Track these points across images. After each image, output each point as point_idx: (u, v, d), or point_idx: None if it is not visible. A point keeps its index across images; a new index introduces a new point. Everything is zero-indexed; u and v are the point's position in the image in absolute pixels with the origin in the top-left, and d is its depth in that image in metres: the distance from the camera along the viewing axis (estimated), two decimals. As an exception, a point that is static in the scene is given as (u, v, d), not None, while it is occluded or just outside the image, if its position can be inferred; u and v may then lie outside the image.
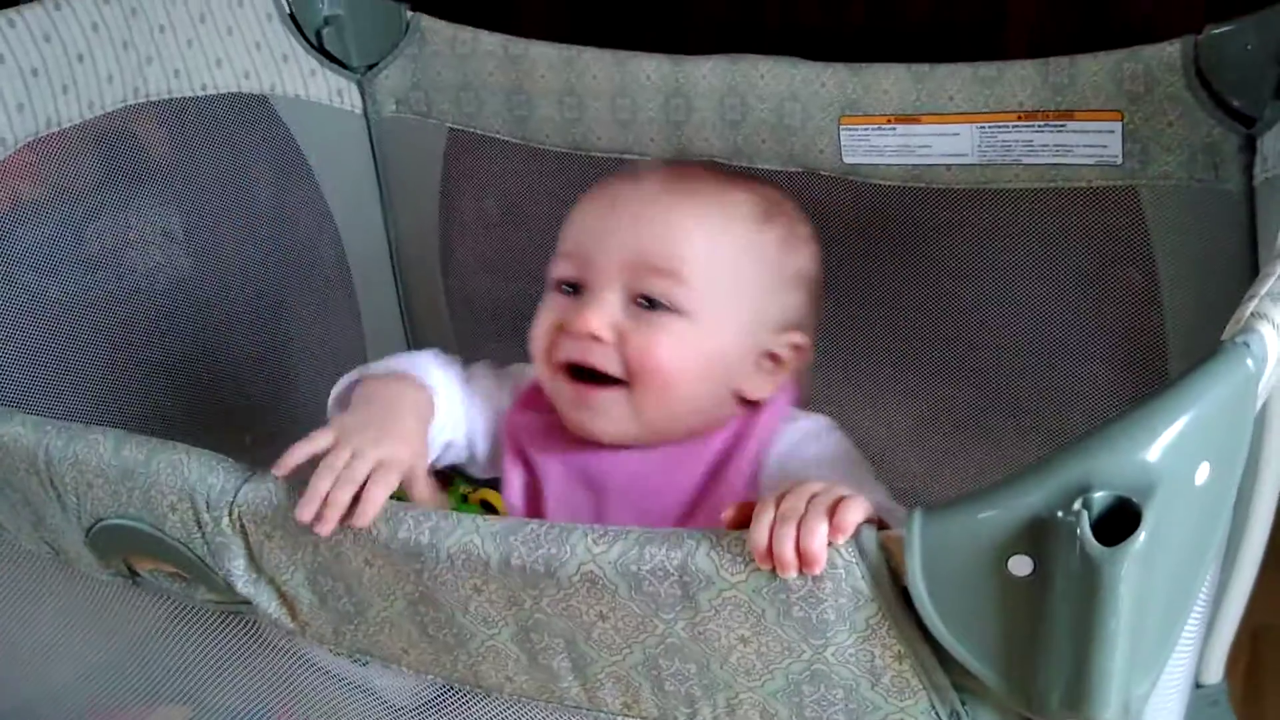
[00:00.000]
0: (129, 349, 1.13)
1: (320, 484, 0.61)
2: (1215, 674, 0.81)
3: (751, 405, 0.79)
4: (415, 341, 1.40)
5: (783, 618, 0.50)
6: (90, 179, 1.12)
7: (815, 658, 0.50)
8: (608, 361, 0.74)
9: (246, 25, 1.16)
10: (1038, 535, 0.43)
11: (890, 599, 0.48)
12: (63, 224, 1.11)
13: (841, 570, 0.48)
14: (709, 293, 0.74)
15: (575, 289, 0.76)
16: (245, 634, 0.71)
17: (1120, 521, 0.42)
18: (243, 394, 1.25)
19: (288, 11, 1.18)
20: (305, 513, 0.60)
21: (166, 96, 1.11)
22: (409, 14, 1.22)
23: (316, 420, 1.32)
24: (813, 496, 0.51)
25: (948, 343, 1.15)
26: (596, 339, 0.73)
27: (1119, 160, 0.96)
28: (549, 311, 0.77)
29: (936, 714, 0.51)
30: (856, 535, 0.48)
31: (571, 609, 0.54)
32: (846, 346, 1.18)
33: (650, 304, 0.73)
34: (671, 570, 0.51)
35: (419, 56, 1.22)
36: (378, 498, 0.61)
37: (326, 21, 1.20)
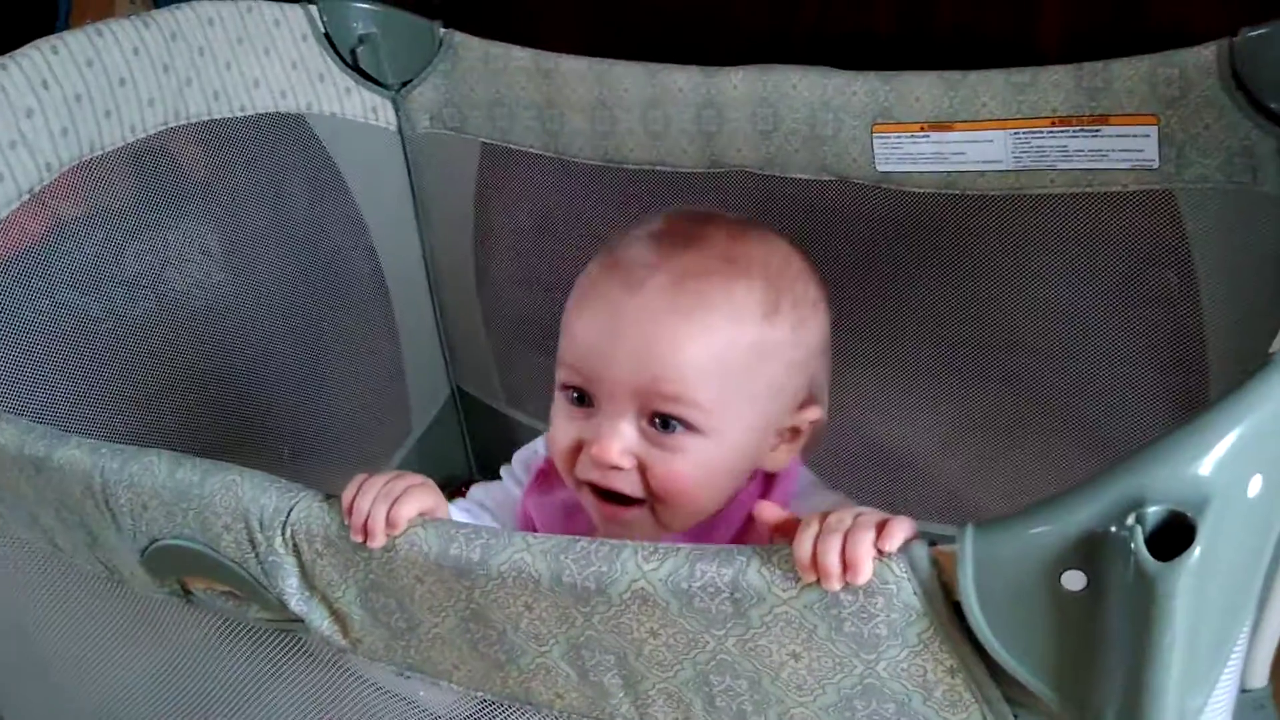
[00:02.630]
0: (169, 366, 1.15)
1: (363, 502, 0.62)
2: (1261, 678, 0.81)
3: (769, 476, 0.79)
4: (452, 356, 1.41)
5: (834, 633, 0.50)
6: (130, 199, 1.14)
7: (867, 672, 0.51)
8: (631, 486, 0.74)
9: (283, 46, 1.17)
10: (1091, 550, 0.43)
11: (942, 614, 0.48)
12: (103, 244, 1.12)
13: (893, 585, 0.48)
14: (725, 408, 0.72)
15: (584, 398, 0.75)
16: (292, 649, 0.72)
17: (1174, 536, 0.42)
18: (281, 409, 1.26)
19: (323, 31, 1.20)
20: (355, 531, 0.61)
21: (206, 118, 1.12)
22: (442, 31, 1.23)
23: (354, 435, 1.34)
24: (858, 514, 0.52)
25: (984, 349, 1.15)
26: (617, 468, 0.73)
27: (1155, 164, 0.95)
28: (566, 422, 0.75)
29: (989, 727, 0.51)
30: (905, 550, 0.48)
31: (622, 626, 0.54)
32: (883, 354, 1.18)
33: (665, 423, 0.72)
34: (722, 587, 0.51)
35: (452, 73, 1.23)
36: (408, 511, 0.62)
37: (361, 40, 1.21)
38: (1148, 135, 0.96)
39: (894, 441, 1.25)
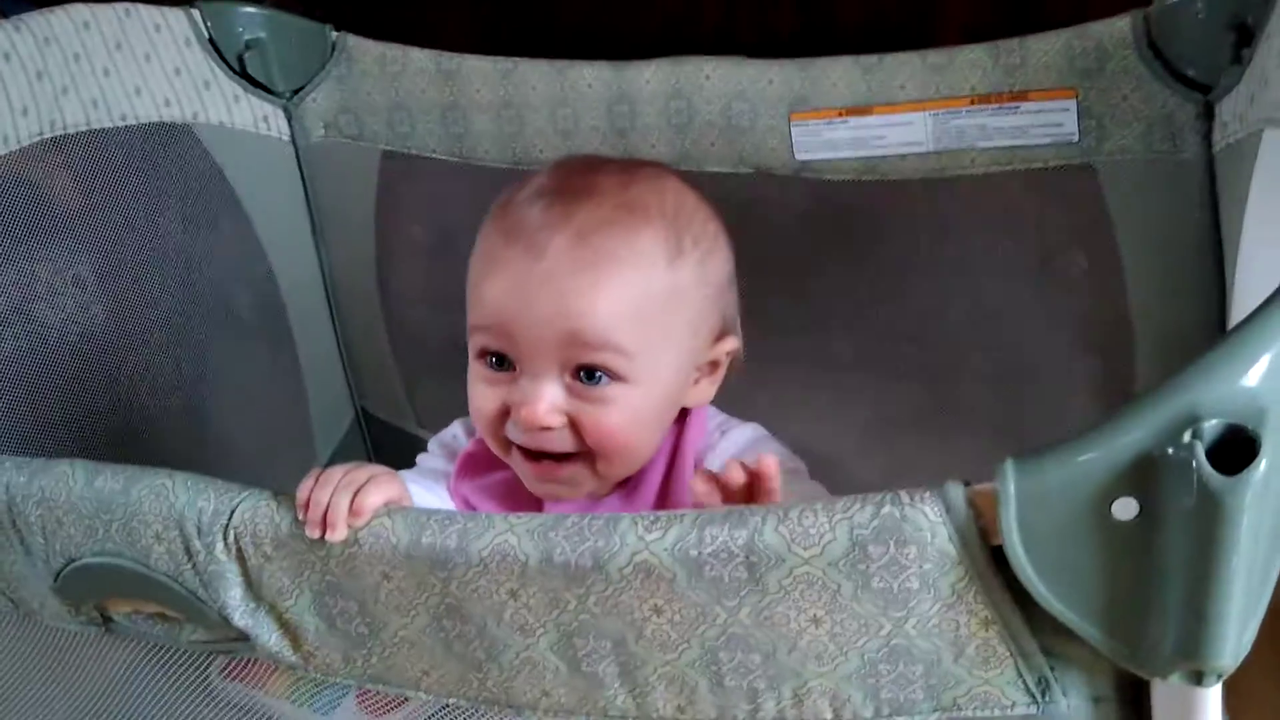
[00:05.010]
0: (44, 406, 1.05)
1: (321, 494, 0.56)
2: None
3: (682, 413, 0.78)
4: (356, 378, 1.35)
5: (860, 591, 0.46)
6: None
7: (895, 632, 0.47)
8: (564, 443, 0.72)
9: (164, 51, 1.10)
10: (1144, 474, 0.41)
11: (978, 560, 0.45)
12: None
13: (927, 532, 0.45)
14: (646, 353, 0.71)
15: (503, 361, 0.72)
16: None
17: (1232, 451, 0.40)
18: (172, 443, 1.18)
19: (207, 36, 1.13)
20: (313, 526, 0.55)
21: (85, 128, 1.05)
22: (334, 34, 1.18)
23: (253, 465, 1.26)
24: None
25: (909, 340, 1.14)
26: (547, 429, 0.71)
27: (1075, 138, 0.95)
28: (486, 388, 0.73)
29: (1024, 682, 0.48)
30: (939, 492, 0.45)
31: (622, 605, 0.50)
32: (805, 350, 1.16)
33: (590, 375, 0.71)
34: (736, 551, 0.47)
35: (347, 78, 1.18)
36: (374, 499, 0.57)
37: (248, 46, 1.15)
38: (1066, 109, 0.96)
39: (816, 440, 1.23)
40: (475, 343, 0.74)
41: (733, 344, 0.79)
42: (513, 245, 0.71)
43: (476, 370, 0.74)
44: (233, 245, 1.22)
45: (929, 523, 0.45)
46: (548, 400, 0.71)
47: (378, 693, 0.77)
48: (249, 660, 0.68)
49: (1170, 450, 0.40)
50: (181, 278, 1.18)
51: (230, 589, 0.58)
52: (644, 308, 0.71)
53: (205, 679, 0.70)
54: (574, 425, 0.71)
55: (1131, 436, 0.41)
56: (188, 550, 0.57)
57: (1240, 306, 0.84)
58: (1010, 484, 0.42)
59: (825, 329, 1.16)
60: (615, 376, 0.71)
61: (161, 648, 0.67)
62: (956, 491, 0.45)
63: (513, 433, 0.73)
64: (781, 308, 1.14)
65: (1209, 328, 0.91)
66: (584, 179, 0.75)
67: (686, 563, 0.48)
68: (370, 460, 1.35)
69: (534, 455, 0.73)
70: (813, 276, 1.14)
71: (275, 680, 0.71)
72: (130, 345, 1.13)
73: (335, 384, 1.34)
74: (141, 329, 1.14)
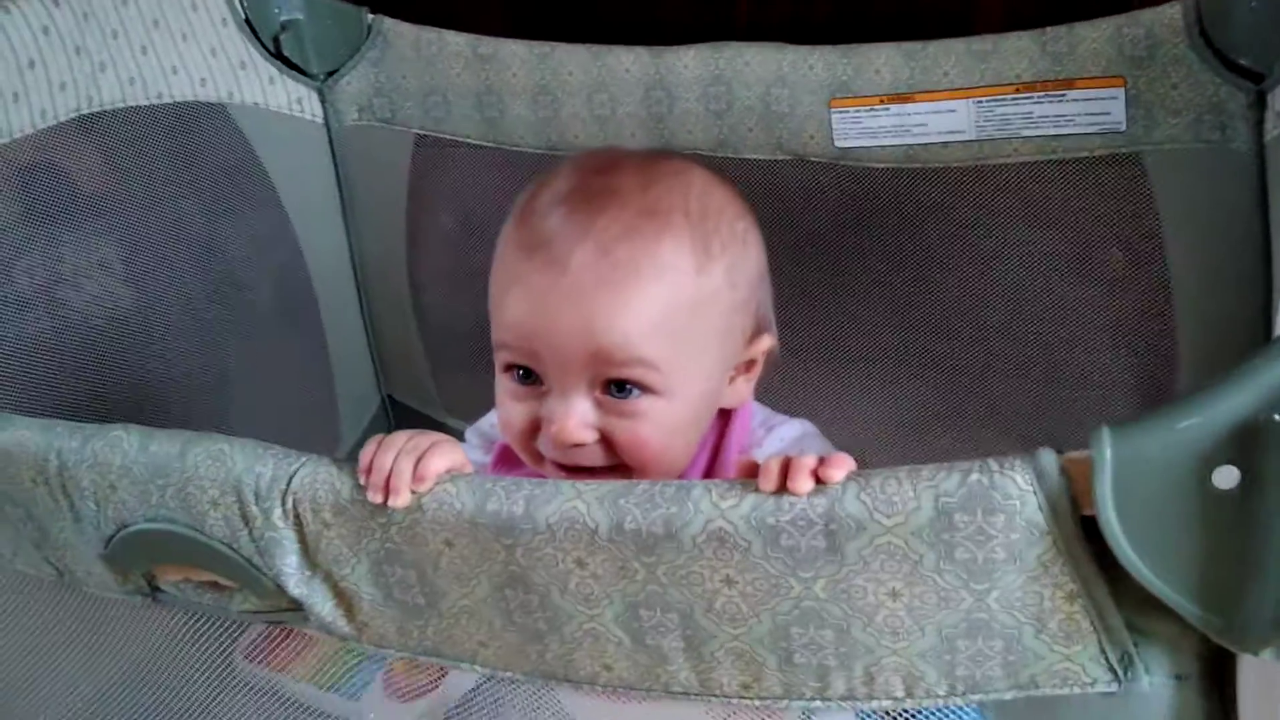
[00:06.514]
0: (69, 387, 1.05)
1: (384, 458, 0.55)
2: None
3: (724, 412, 0.76)
4: (383, 363, 1.34)
5: (943, 561, 0.45)
6: (16, 215, 1.05)
7: (976, 605, 0.46)
8: (597, 458, 0.70)
9: (201, 31, 1.10)
10: (1246, 441, 0.40)
11: (1068, 531, 0.44)
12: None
13: (1016, 500, 0.44)
14: (677, 364, 0.69)
15: (530, 375, 0.70)
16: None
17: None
18: (197, 425, 1.17)
19: (243, 17, 1.13)
20: (375, 490, 0.54)
21: (121, 105, 1.04)
22: (370, 17, 1.17)
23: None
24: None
25: (942, 331, 1.13)
26: (580, 445, 0.69)
27: (1123, 127, 0.94)
28: (516, 403, 0.71)
29: (1106, 658, 0.47)
30: (1032, 460, 0.44)
31: (693, 576, 0.49)
32: (841, 341, 1.15)
33: (621, 388, 0.69)
34: (816, 519, 0.46)
35: (382, 61, 1.17)
36: (438, 465, 0.56)
37: (284, 27, 1.15)
38: (1115, 98, 0.95)
39: (841, 430, 1.22)
40: (501, 357, 0.72)
41: (768, 342, 0.76)
42: (533, 259, 0.69)
43: (504, 384, 0.72)
44: (262, 227, 1.21)
45: (1019, 491, 0.44)
46: (578, 417, 0.69)
47: (404, 678, 0.76)
48: (275, 641, 0.67)
49: (1276, 416, 0.39)
50: (208, 260, 1.17)
51: (286, 556, 0.57)
52: (672, 319, 0.69)
53: (229, 661, 0.69)
54: (606, 439, 0.70)
55: (1233, 402, 0.40)
56: (244, 516, 0.56)
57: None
58: (1106, 451, 0.41)
59: (858, 320, 1.15)
60: (646, 389, 0.69)
61: (193, 624, 0.66)
62: (1049, 459, 0.44)
63: (544, 447, 0.71)
64: (814, 297, 1.13)
65: (1254, 321, 0.90)
66: (603, 180, 0.72)
67: (763, 531, 0.47)
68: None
69: (567, 468, 0.71)
70: (848, 266, 1.13)
71: (300, 663, 0.71)
72: (155, 328, 1.12)
73: (362, 370, 1.34)
74: (167, 312, 1.13)
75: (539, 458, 0.72)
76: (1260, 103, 0.88)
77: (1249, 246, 0.90)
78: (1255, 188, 0.89)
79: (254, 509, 0.56)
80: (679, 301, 0.69)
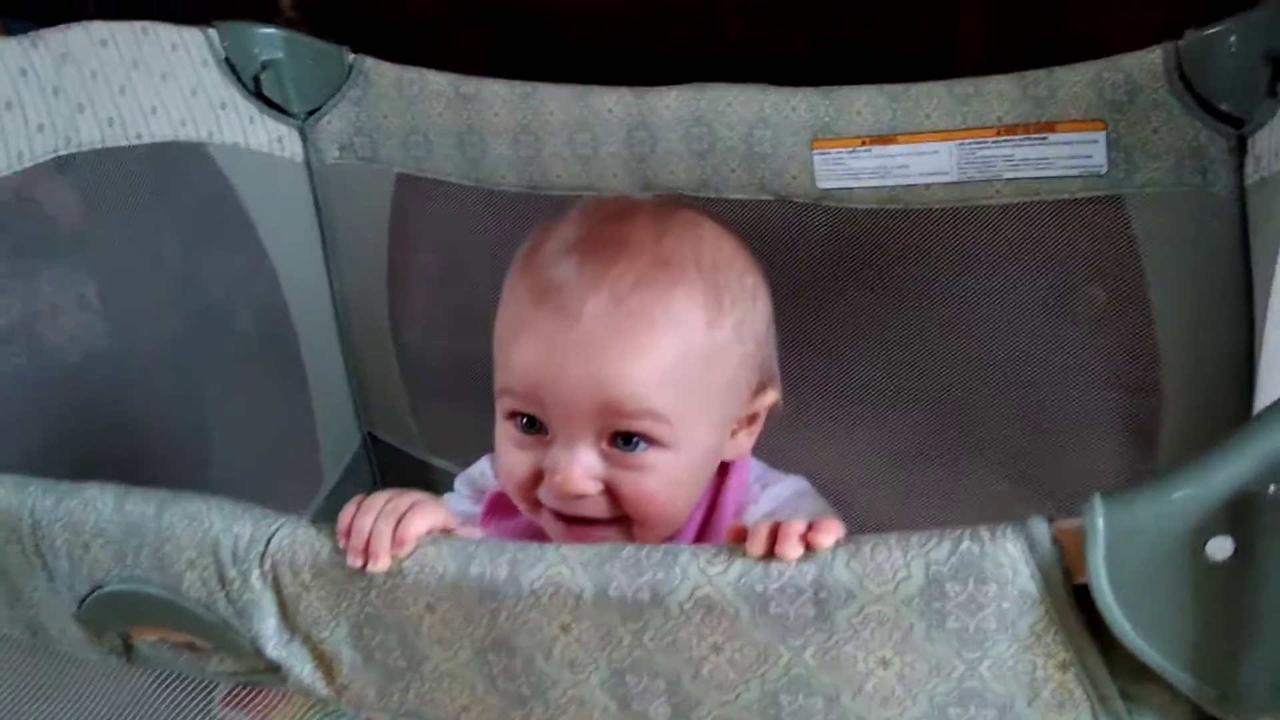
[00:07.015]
0: (43, 427, 1.03)
1: (363, 521, 0.54)
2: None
3: (722, 465, 0.76)
4: (364, 402, 1.33)
5: (934, 630, 0.45)
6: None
7: (968, 674, 0.45)
8: (599, 509, 0.69)
9: (182, 71, 1.09)
10: (1241, 512, 0.39)
11: (1060, 600, 0.43)
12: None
13: (1008, 569, 0.43)
14: (686, 417, 0.68)
15: (534, 423, 0.70)
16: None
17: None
18: (177, 467, 1.16)
19: (224, 57, 1.12)
20: (355, 554, 0.53)
21: (100, 146, 1.03)
22: (351, 56, 1.17)
23: (259, 492, 1.23)
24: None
25: (925, 372, 1.13)
26: (583, 496, 0.69)
27: (1104, 170, 0.95)
28: (518, 451, 0.70)
29: (1098, 726, 0.46)
30: (1023, 528, 0.43)
31: (679, 642, 0.48)
32: (821, 380, 1.15)
33: (627, 441, 0.68)
34: (805, 587, 0.45)
35: (363, 100, 1.17)
36: (418, 527, 0.55)
37: (264, 66, 1.14)
38: (1096, 141, 0.95)
39: (825, 469, 1.21)
40: (504, 404, 0.71)
41: (772, 396, 0.76)
42: (543, 306, 0.68)
43: (507, 432, 0.71)
44: (242, 267, 1.20)
45: (1010, 559, 0.43)
46: (583, 468, 0.68)
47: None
48: (255, 689, 0.66)
49: (1271, 488, 0.39)
50: (188, 299, 1.16)
51: (264, 619, 0.56)
52: (682, 372, 0.68)
53: (209, 709, 0.68)
54: (610, 491, 0.69)
55: (1228, 472, 0.39)
56: (221, 578, 0.55)
57: (1271, 342, 0.83)
58: (1099, 520, 0.41)
59: (841, 359, 1.15)
60: (654, 442, 0.68)
61: (170, 679, 0.65)
62: (1040, 528, 0.43)
63: (545, 497, 0.70)
64: (798, 337, 1.13)
65: (1237, 364, 0.91)
66: (614, 229, 0.71)
67: (751, 598, 0.46)
68: (377, 485, 1.34)
69: (567, 518, 0.70)
70: (831, 306, 1.13)
71: (280, 711, 0.69)
72: (134, 366, 1.11)
73: (343, 408, 1.32)
74: (146, 350, 1.12)
75: (537, 506, 0.71)
76: (1241, 147, 0.88)
77: (1231, 288, 0.90)
78: (1237, 231, 0.89)
79: (231, 570, 0.55)
80: (690, 354, 0.69)
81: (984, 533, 0.44)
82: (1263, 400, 0.77)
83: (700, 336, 0.69)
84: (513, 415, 0.70)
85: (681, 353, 0.68)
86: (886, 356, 1.14)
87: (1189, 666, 0.42)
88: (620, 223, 0.72)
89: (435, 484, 1.27)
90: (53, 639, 0.63)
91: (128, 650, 0.62)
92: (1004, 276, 1.05)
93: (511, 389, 0.70)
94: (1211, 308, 0.92)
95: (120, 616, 0.59)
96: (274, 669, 0.57)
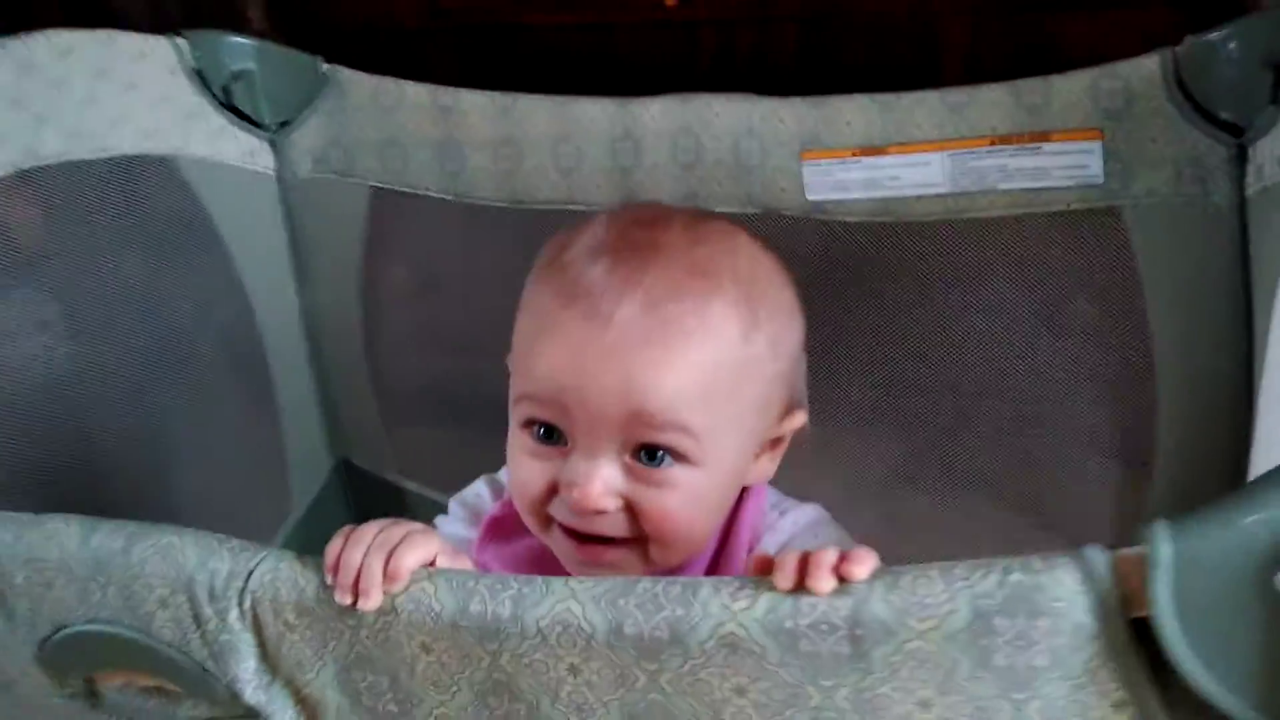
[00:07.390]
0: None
1: (352, 555, 0.50)
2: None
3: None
4: (336, 426, 1.29)
5: (979, 669, 0.41)
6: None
7: (1015, 715, 0.42)
8: (616, 527, 0.66)
9: (148, 81, 1.06)
10: (1315, 539, 0.36)
11: (1117, 635, 0.40)
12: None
13: (1064, 603, 0.40)
14: (713, 432, 0.65)
15: (552, 433, 0.66)
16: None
17: None
18: (141, 493, 1.12)
19: (193, 66, 1.08)
20: (343, 591, 0.49)
21: (62, 159, 0.99)
22: (325, 66, 1.13)
23: (226, 520, 1.19)
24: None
25: (916, 387, 1.10)
26: (601, 512, 0.66)
27: (1100, 180, 0.93)
28: (532, 462, 0.67)
29: (1153, 770, 0.43)
30: (1079, 558, 0.40)
31: (700, 684, 0.44)
32: (818, 395, 1.12)
33: (651, 456, 0.65)
34: (839, 623, 0.42)
35: (337, 111, 1.14)
36: (410, 561, 0.52)
37: (235, 76, 1.11)
38: (1091, 151, 0.93)
39: (814, 488, 1.19)
40: (522, 411, 0.67)
41: (800, 419, 0.73)
42: (571, 308, 0.65)
43: (521, 441, 0.68)
44: (210, 284, 1.17)
45: (1066, 592, 0.40)
46: (602, 482, 0.65)
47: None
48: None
49: (1349, 512, 0.36)
50: (154, 318, 1.13)
51: (243, 661, 0.52)
52: (714, 385, 0.65)
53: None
54: (629, 508, 0.66)
55: (1302, 496, 0.37)
56: (196, 618, 0.51)
57: (1273, 356, 0.81)
58: (1165, 548, 0.38)
59: (833, 374, 1.12)
60: (679, 458, 0.65)
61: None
62: (1098, 558, 0.40)
63: (559, 512, 0.67)
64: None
65: (1235, 378, 0.89)
66: (647, 234, 0.69)
67: (779, 635, 0.43)
68: (350, 511, 1.30)
69: (579, 536, 0.67)
70: (820, 321, 1.10)
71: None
72: (97, 389, 1.08)
73: (314, 431, 1.29)
74: (109, 372, 1.09)
75: (547, 524, 0.68)
76: (1241, 156, 0.86)
77: (1230, 300, 0.88)
78: (1236, 241, 0.87)
79: (207, 609, 0.51)
80: (722, 367, 0.66)
81: (1035, 563, 0.41)
82: (1263, 417, 0.75)
83: (734, 350, 0.66)
84: (529, 424, 0.67)
85: (714, 365, 0.66)
86: (875, 373, 1.11)
87: (1258, 703, 0.39)
88: (653, 228, 0.70)
89: (410, 509, 1.23)
90: (12, 681, 0.59)
91: (92, 695, 0.57)
92: (999, 289, 1.03)
93: (532, 394, 0.66)
94: (1210, 319, 0.91)
95: (84, 659, 0.55)
96: (252, 715, 0.53)
